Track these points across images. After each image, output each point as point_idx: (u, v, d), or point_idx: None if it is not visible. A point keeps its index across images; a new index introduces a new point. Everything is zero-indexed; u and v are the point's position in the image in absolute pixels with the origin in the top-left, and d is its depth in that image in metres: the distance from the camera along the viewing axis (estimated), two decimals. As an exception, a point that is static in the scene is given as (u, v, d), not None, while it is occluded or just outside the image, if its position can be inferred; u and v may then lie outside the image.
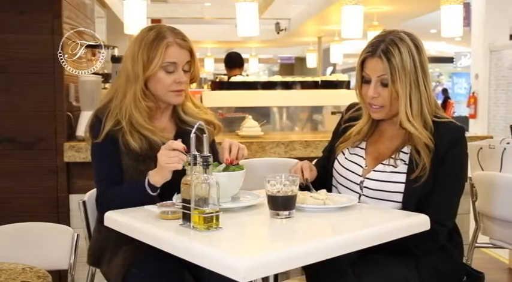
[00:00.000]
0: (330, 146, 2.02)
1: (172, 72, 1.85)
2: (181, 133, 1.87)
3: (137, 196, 1.73)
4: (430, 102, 1.78)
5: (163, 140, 1.81)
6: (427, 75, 1.78)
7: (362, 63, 1.81)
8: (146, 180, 1.71)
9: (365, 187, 1.81)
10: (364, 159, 1.87)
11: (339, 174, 1.90)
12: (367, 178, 1.82)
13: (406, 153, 1.79)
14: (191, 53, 1.89)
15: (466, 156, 1.82)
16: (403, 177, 1.76)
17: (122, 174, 1.83)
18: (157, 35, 1.83)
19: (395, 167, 1.78)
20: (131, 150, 1.81)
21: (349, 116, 1.98)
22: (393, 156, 1.80)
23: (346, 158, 1.90)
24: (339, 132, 1.98)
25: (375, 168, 1.82)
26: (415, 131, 1.75)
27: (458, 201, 1.79)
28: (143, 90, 1.85)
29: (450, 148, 1.75)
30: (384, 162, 1.81)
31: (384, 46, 1.75)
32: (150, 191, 1.71)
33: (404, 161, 1.78)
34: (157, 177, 1.70)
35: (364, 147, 1.89)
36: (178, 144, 1.66)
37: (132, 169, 1.80)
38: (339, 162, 1.91)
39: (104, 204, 1.79)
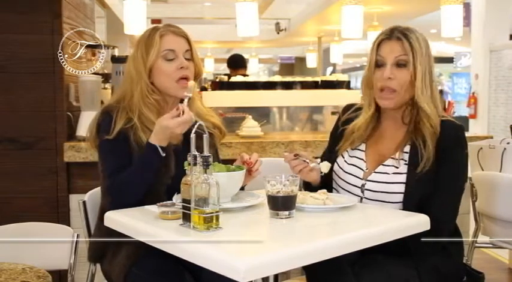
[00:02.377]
0: (329, 149, 2.00)
1: (173, 60, 1.86)
2: (189, 133, 1.86)
3: (147, 165, 1.74)
4: (437, 96, 1.80)
5: (173, 140, 1.81)
6: (433, 70, 1.80)
7: (377, 48, 1.80)
8: (155, 144, 1.72)
9: (366, 189, 1.80)
10: (365, 161, 1.85)
11: (339, 177, 1.88)
12: (368, 180, 1.81)
13: (407, 153, 1.79)
14: (188, 41, 1.91)
15: (467, 155, 1.82)
16: (403, 178, 1.76)
17: None
18: (152, 30, 1.90)
19: (397, 168, 1.77)
20: (143, 148, 1.81)
21: (347, 118, 1.96)
22: (393, 156, 1.80)
23: (345, 161, 1.89)
24: (337, 135, 1.96)
25: (376, 170, 1.81)
26: (429, 109, 1.75)
27: (459, 200, 1.79)
28: (148, 85, 1.86)
29: (451, 148, 1.75)
30: (384, 163, 1.81)
31: (400, 31, 1.78)
32: (161, 152, 1.73)
33: (405, 161, 1.78)
34: (158, 140, 1.73)
35: (364, 149, 1.88)
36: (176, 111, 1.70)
37: None
38: (338, 165, 1.90)
39: (116, 191, 1.77)
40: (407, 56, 1.75)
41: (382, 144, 1.86)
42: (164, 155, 1.73)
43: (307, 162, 1.82)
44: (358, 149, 1.89)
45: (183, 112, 1.69)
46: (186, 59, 1.89)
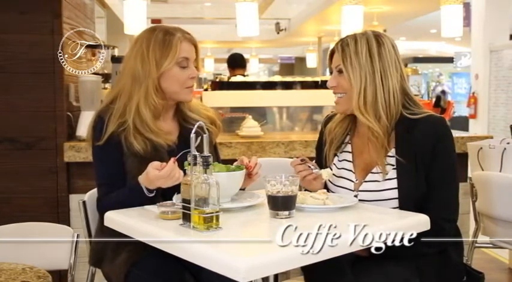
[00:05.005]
0: (318, 164, 1.97)
1: (186, 68, 1.87)
2: (185, 133, 1.87)
3: (137, 199, 1.74)
4: (388, 97, 1.77)
5: (167, 142, 1.83)
6: (387, 70, 1.77)
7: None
8: (144, 186, 1.71)
9: (360, 200, 1.77)
10: (353, 172, 1.85)
11: (331, 191, 1.87)
12: (360, 191, 1.81)
13: (393, 156, 1.78)
14: (196, 48, 1.92)
15: (454, 147, 1.81)
16: (394, 183, 1.75)
17: (125, 175, 1.82)
18: (166, 33, 1.85)
19: (386, 174, 1.77)
20: (135, 153, 1.81)
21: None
22: (379, 163, 1.79)
23: (334, 174, 1.88)
24: (323, 148, 1.96)
25: (366, 179, 1.81)
26: (366, 121, 1.76)
27: (457, 193, 1.78)
28: (156, 86, 1.84)
29: (436, 144, 1.74)
30: (372, 171, 1.80)
31: (344, 39, 1.83)
32: (149, 194, 1.72)
33: (393, 165, 1.77)
34: (153, 186, 1.70)
35: (351, 160, 1.87)
36: (166, 169, 1.63)
37: (135, 170, 1.79)
38: (329, 180, 1.89)
39: (103, 209, 1.79)
40: (342, 66, 1.79)
41: (367, 153, 1.85)
42: (152, 195, 1.72)
43: (311, 168, 1.82)
44: (345, 160, 1.88)
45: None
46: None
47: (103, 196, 1.84)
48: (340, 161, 1.90)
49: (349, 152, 1.89)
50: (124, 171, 1.83)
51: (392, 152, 1.78)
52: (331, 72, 1.88)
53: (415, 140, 1.74)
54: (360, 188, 1.81)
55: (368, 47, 1.77)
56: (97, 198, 1.88)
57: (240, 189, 1.77)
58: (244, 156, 1.85)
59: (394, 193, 1.75)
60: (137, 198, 1.73)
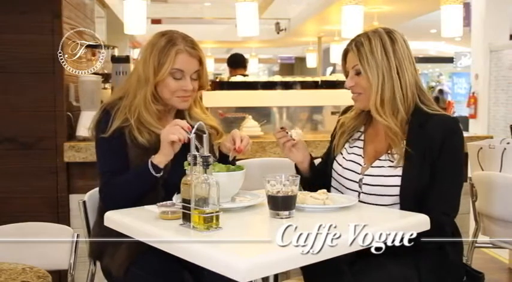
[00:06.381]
0: (329, 150, 2.03)
1: (180, 79, 1.87)
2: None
3: (142, 180, 1.76)
4: (406, 91, 1.80)
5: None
6: (402, 64, 1.80)
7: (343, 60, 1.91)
8: (149, 161, 1.74)
9: (364, 184, 1.82)
10: (363, 157, 1.89)
11: (338, 174, 1.91)
12: (366, 175, 1.84)
13: (403, 147, 1.79)
14: (200, 61, 1.91)
15: (462, 146, 1.83)
16: (399, 171, 1.78)
17: (128, 164, 1.84)
18: (169, 41, 1.86)
19: (393, 162, 1.79)
20: (139, 144, 1.84)
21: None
22: (389, 151, 1.82)
23: (344, 157, 1.92)
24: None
25: (373, 164, 1.84)
26: (383, 120, 1.79)
27: (459, 191, 1.80)
28: (153, 94, 1.87)
29: (445, 139, 1.76)
30: (381, 158, 1.83)
31: (358, 39, 1.83)
32: (153, 172, 1.74)
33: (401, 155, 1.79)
34: (159, 157, 1.74)
35: (362, 146, 1.91)
36: (183, 122, 1.72)
37: (139, 159, 1.82)
38: (338, 162, 1.93)
39: (108, 194, 1.82)
40: (359, 65, 1.81)
41: (378, 142, 1.89)
42: (159, 175, 1.75)
43: (287, 133, 1.89)
44: (356, 146, 1.92)
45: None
46: (192, 79, 1.90)
47: (107, 182, 1.85)
48: (351, 147, 1.94)
49: (361, 140, 1.93)
50: (127, 161, 1.85)
51: (403, 143, 1.80)
52: (346, 74, 1.90)
53: (426, 134, 1.77)
54: (366, 172, 1.84)
55: (382, 44, 1.80)
56: (100, 185, 1.88)
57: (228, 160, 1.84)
58: (236, 130, 1.89)
59: (397, 181, 1.77)
60: (142, 178, 1.76)
